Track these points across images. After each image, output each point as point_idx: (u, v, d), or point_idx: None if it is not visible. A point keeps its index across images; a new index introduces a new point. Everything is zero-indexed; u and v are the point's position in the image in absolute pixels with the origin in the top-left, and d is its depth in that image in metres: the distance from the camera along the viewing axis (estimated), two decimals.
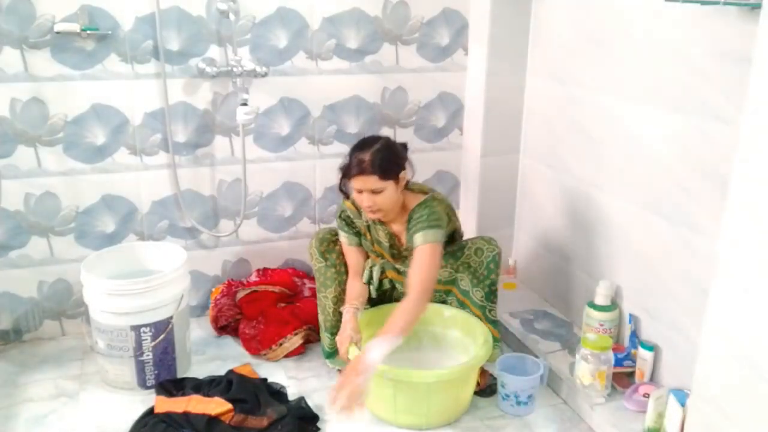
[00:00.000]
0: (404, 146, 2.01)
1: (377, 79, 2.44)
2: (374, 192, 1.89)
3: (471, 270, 2.02)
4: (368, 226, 2.04)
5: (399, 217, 2.00)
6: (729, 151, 1.56)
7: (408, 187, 2.00)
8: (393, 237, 2.03)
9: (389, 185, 1.89)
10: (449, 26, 2.47)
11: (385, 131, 2.51)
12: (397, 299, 2.11)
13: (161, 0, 2.10)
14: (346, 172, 1.92)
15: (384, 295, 2.13)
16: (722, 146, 1.65)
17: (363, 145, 1.92)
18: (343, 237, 2.07)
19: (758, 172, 1.26)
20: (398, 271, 2.09)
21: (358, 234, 2.06)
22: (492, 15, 2.37)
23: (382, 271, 2.09)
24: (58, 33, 2.02)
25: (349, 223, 2.05)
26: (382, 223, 2.01)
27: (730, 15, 1.57)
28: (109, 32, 2.09)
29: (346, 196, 2.04)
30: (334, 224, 2.11)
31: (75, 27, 2.02)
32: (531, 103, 2.49)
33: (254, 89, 2.29)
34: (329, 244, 2.07)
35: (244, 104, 2.22)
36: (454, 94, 2.57)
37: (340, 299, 2.07)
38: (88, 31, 2.04)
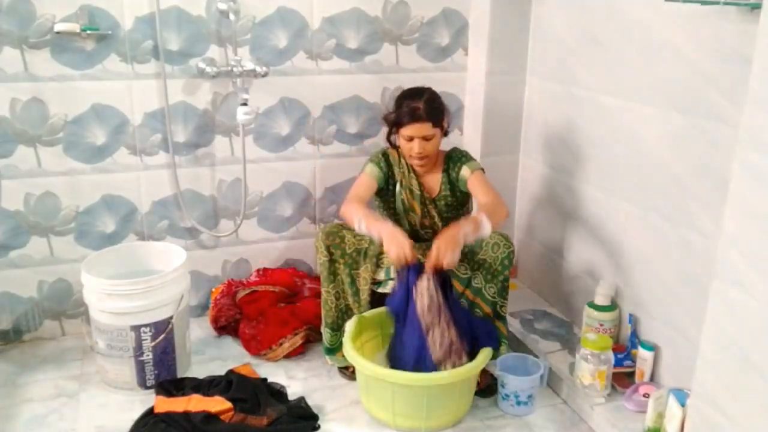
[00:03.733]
0: None
1: (377, 79, 2.45)
2: (425, 138, 1.99)
3: (486, 266, 2.02)
4: (404, 173, 2.11)
5: (430, 167, 2.10)
6: (729, 151, 1.56)
7: None
8: (422, 187, 2.11)
9: (437, 132, 2.02)
10: (449, 26, 2.48)
11: (385, 131, 2.51)
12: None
13: (161, 0, 2.10)
14: (398, 121, 2.01)
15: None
16: (722, 146, 1.65)
17: (413, 94, 2.03)
18: (370, 168, 2.09)
19: (758, 172, 1.26)
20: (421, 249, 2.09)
21: (386, 176, 2.11)
22: (492, 15, 2.37)
23: None
24: (58, 33, 2.02)
25: (388, 163, 2.11)
26: (415, 173, 2.10)
27: (730, 15, 1.57)
28: (109, 32, 2.09)
29: (393, 146, 2.13)
30: (337, 221, 2.11)
31: (75, 27, 2.02)
32: (531, 103, 2.49)
33: (254, 89, 2.29)
34: (335, 238, 2.05)
35: (244, 104, 2.22)
36: (454, 94, 2.57)
37: (342, 295, 2.07)
38: (88, 31, 2.04)
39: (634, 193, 1.99)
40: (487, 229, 1.89)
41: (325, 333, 2.11)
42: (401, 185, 2.10)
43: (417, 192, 2.10)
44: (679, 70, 1.76)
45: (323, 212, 2.54)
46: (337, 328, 2.06)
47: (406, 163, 2.11)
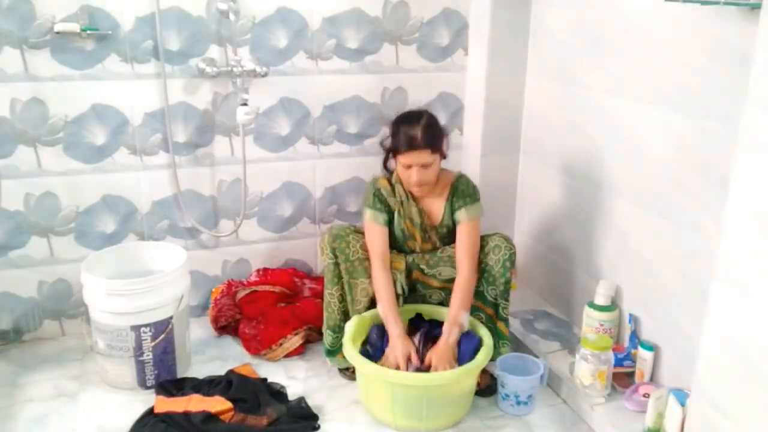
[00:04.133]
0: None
1: (377, 79, 2.44)
2: (423, 166, 1.94)
3: (487, 269, 2.02)
4: (401, 202, 2.05)
5: (430, 193, 2.05)
6: (729, 151, 1.56)
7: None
8: (423, 214, 2.05)
9: (436, 158, 1.97)
10: (449, 26, 2.47)
11: (386, 131, 2.51)
12: (415, 302, 2.13)
13: (161, 0, 2.10)
14: (395, 148, 1.96)
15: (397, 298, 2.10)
16: (722, 146, 1.65)
17: (410, 119, 1.97)
18: (370, 215, 2.04)
19: (758, 172, 1.26)
20: (423, 272, 2.09)
21: (389, 213, 2.06)
22: (492, 15, 2.37)
23: (408, 274, 2.09)
24: (58, 33, 2.02)
25: (382, 200, 2.05)
26: (414, 200, 2.05)
27: (730, 15, 1.57)
28: (109, 32, 2.09)
29: (390, 172, 2.09)
30: (340, 224, 2.11)
31: (75, 27, 2.02)
32: (531, 103, 2.49)
33: (254, 89, 2.29)
34: (342, 240, 2.04)
35: (244, 104, 2.22)
36: (454, 94, 2.57)
37: (345, 298, 2.07)
38: (88, 31, 2.04)
39: (634, 193, 1.99)
40: (466, 323, 1.96)
41: (326, 335, 2.11)
42: (399, 215, 2.05)
43: (418, 220, 2.05)
44: (679, 70, 1.76)
45: (323, 212, 2.54)
46: (339, 331, 2.06)
47: (404, 190, 2.04)
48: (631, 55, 1.94)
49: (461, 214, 2.02)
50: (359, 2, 2.33)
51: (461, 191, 2.03)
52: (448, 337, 1.92)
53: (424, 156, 1.93)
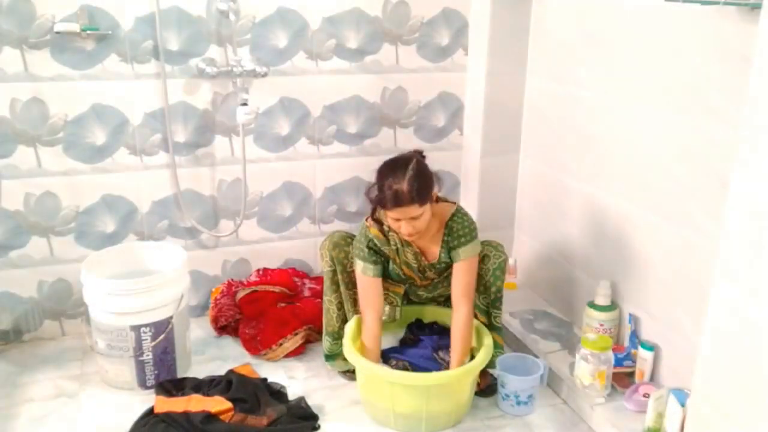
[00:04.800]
0: (422, 156, 1.92)
1: (377, 79, 2.44)
2: (413, 218, 1.82)
3: (478, 278, 2.00)
4: (396, 250, 1.97)
5: (425, 233, 1.93)
6: (729, 151, 1.56)
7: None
8: (420, 256, 1.98)
9: (425, 209, 1.84)
10: (449, 26, 2.47)
11: (385, 131, 2.51)
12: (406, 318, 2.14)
13: (161, 0, 2.10)
14: (382, 204, 1.84)
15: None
16: (722, 146, 1.65)
17: (395, 171, 1.82)
18: (361, 267, 1.95)
19: (758, 172, 1.26)
20: (419, 297, 2.10)
21: (381, 262, 1.98)
22: (492, 15, 2.37)
23: (405, 296, 2.09)
24: (58, 33, 2.02)
25: (376, 251, 1.96)
26: (407, 244, 1.96)
27: (730, 15, 1.57)
28: (109, 32, 2.09)
29: (379, 223, 1.96)
30: (339, 224, 2.10)
31: (75, 27, 2.02)
32: (531, 103, 2.49)
33: (254, 89, 2.29)
34: (342, 249, 2.03)
35: (244, 104, 2.22)
36: (454, 94, 2.57)
37: (343, 306, 2.07)
38: (88, 31, 2.04)
39: (634, 193, 1.99)
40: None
41: (326, 341, 2.11)
42: (395, 263, 1.99)
43: (414, 264, 1.98)
44: (679, 70, 1.76)
45: (323, 212, 2.54)
46: (338, 337, 2.05)
47: (398, 238, 1.95)
48: (631, 55, 1.94)
49: (456, 255, 1.93)
50: (359, 2, 2.33)
51: (456, 231, 1.93)
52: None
53: (412, 210, 1.80)
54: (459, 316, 1.92)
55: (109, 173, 2.23)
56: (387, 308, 2.05)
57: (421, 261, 1.98)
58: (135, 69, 2.16)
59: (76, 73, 2.10)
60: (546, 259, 2.50)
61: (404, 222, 1.83)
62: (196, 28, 2.18)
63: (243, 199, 2.36)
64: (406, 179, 1.79)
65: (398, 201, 1.79)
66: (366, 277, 1.96)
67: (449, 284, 2.00)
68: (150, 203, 2.31)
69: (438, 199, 1.96)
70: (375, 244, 1.96)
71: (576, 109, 2.21)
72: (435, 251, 1.97)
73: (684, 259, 1.82)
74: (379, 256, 1.97)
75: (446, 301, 2.12)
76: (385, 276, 2.04)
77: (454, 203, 2.00)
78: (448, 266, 2.00)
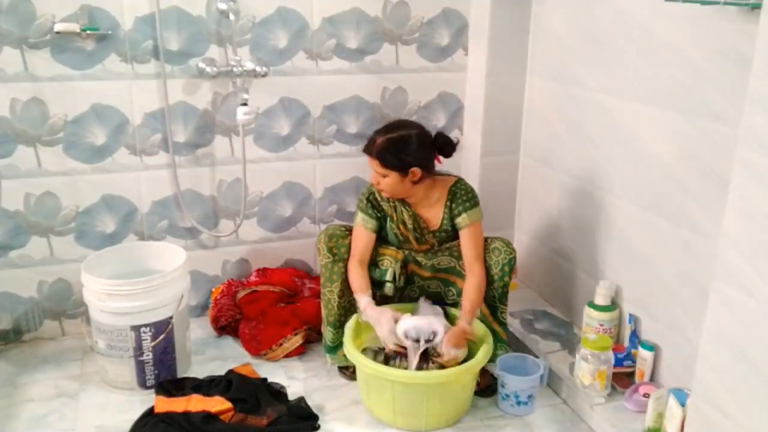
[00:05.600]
0: (444, 142, 1.98)
1: (377, 79, 2.45)
2: (381, 174, 1.93)
3: (486, 269, 2.01)
4: (394, 207, 2.03)
5: (423, 201, 2.02)
6: (729, 151, 1.56)
7: (435, 173, 2.02)
8: (417, 218, 2.03)
9: (392, 174, 1.93)
10: (449, 26, 2.48)
11: None
12: (410, 296, 2.13)
13: (161, 0, 2.10)
14: None
15: (395, 292, 2.10)
16: (722, 146, 1.65)
17: (388, 127, 1.96)
18: (360, 218, 2.03)
19: (758, 172, 1.26)
20: (419, 264, 2.09)
21: (378, 219, 2.04)
22: (492, 15, 2.37)
23: (404, 265, 2.08)
24: (58, 33, 2.02)
25: (375, 205, 2.04)
26: (406, 205, 2.02)
27: (730, 15, 1.57)
28: (109, 32, 2.09)
29: None
30: (339, 224, 2.11)
31: (75, 27, 2.02)
32: (531, 103, 2.49)
33: (254, 89, 2.29)
34: (338, 239, 2.04)
35: (244, 104, 2.22)
36: (454, 94, 2.57)
37: (345, 294, 2.06)
38: (88, 31, 2.04)
39: (634, 193, 1.99)
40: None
41: (327, 332, 2.11)
42: (392, 220, 2.04)
43: (411, 225, 2.03)
44: (679, 70, 1.76)
45: (323, 212, 2.54)
46: (340, 326, 2.05)
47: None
48: (631, 55, 1.94)
49: (462, 219, 2.00)
50: (359, 2, 2.33)
51: (459, 196, 2.01)
52: (465, 322, 1.93)
53: (375, 164, 1.93)
54: (474, 278, 1.97)
55: (109, 173, 2.23)
56: (388, 285, 2.06)
57: (420, 223, 2.03)
58: (135, 69, 2.16)
59: (76, 73, 2.10)
60: (546, 259, 2.50)
61: (372, 172, 1.95)
62: (196, 28, 2.18)
63: (243, 199, 2.36)
64: (386, 137, 1.92)
65: (366, 147, 1.95)
66: (361, 228, 2.03)
67: (450, 254, 2.05)
68: (150, 203, 2.31)
69: (439, 173, 2.03)
70: (375, 198, 2.04)
71: (576, 109, 2.21)
72: (437, 218, 2.03)
73: (684, 259, 1.82)
74: (377, 211, 2.03)
75: (446, 285, 2.12)
76: (384, 239, 2.07)
77: (456, 176, 2.08)
78: (449, 236, 2.04)
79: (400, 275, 2.06)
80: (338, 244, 2.04)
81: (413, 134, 1.94)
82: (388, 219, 2.04)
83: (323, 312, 2.11)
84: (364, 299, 1.98)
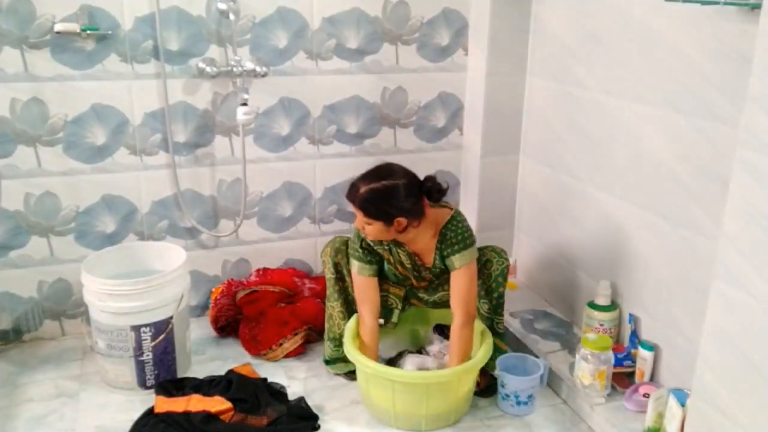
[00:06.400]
0: (432, 188, 1.85)
1: (377, 79, 2.44)
2: (363, 221, 1.85)
3: (480, 282, 1.99)
4: (389, 250, 1.97)
5: (416, 239, 1.92)
6: (729, 151, 1.56)
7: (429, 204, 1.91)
8: (414, 257, 1.97)
9: (376, 223, 1.83)
10: (449, 26, 2.48)
11: (385, 131, 2.51)
12: (410, 322, 2.14)
13: (161, 0, 2.10)
14: None
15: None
16: (722, 146, 1.65)
17: (373, 172, 1.84)
18: (357, 267, 1.97)
19: (758, 172, 1.26)
20: (421, 300, 2.09)
21: (377, 262, 1.99)
22: (492, 15, 2.37)
23: (405, 298, 2.09)
24: (58, 33, 2.02)
25: (370, 250, 1.97)
26: (400, 245, 1.95)
27: (730, 15, 1.57)
28: (109, 32, 2.09)
29: None
30: (339, 224, 2.10)
31: (75, 27, 2.02)
32: (531, 103, 2.49)
33: (254, 89, 2.29)
34: (343, 256, 2.03)
35: (244, 104, 2.22)
36: (454, 94, 2.57)
37: (346, 314, 2.06)
38: (88, 31, 2.04)
39: (634, 193, 1.99)
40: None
41: (327, 348, 2.11)
42: (389, 263, 1.99)
43: (409, 264, 1.97)
44: (679, 70, 1.76)
45: (323, 212, 2.54)
46: (341, 344, 2.04)
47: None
48: (631, 55, 1.94)
49: (451, 263, 1.91)
50: (359, 2, 2.33)
51: (449, 239, 1.90)
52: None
53: (359, 213, 1.84)
54: (455, 325, 1.92)
55: (109, 173, 2.23)
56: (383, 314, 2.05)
57: (416, 262, 1.98)
58: (135, 69, 2.16)
59: (76, 73, 2.10)
60: (546, 259, 2.50)
61: (358, 218, 1.86)
62: (196, 28, 2.18)
63: (243, 199, 2.36)
64: (369, 186, 1.80)
65: (349, 194, 1.85)
66: (361, 276, 1.98)
67: (450, 287, 1.99)
68: (150, 203, 2.31)
69: (435, 208, 1.93)
70: (368, 244, 1.97)
71: (576, 109, 2.21)
72: (429, 255, 1.96)
73: (684, 259, 1.82)
74: (373, 256, 1.98)
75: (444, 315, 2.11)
76: (384, 277, 2.04)
77: (452, 208, 1.96)
78: (443, 272, 1.99)
79: (401, 311, 2.08)
80: (344, 261, 2.04)
81: (399, 185, 1.81)
82: (386, 262, 2.01)
83: (326, 324, 2.12)
84: (371, 355, 1.94)
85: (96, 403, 1.99)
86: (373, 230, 1.86)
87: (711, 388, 1.43)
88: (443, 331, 2.11)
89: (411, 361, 1.99)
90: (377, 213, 1.82)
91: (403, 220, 1.83)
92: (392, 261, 1.99)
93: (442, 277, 2.02)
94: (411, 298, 2.10)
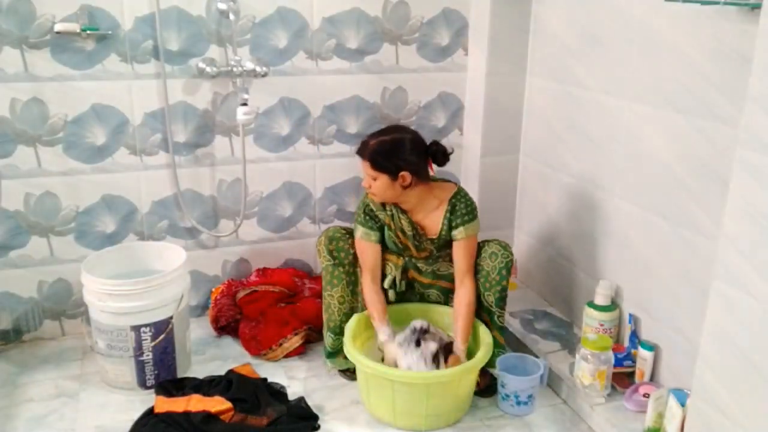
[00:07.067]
0: (437, 151, 1.96)
1: (377, 79, 2.45)
2: (372, 177, 1.94)
3: (483, 273, 2.00)
4: (392, 216, 2.02)
5: (419, 208, 2.00)
6: (729, 151, 1.56)
7: (432, 178, 2.01)
8: (415, 226, 2.02)
9: (382, 177, 1.92)
10: (449, 26, 2.48)
11: None
12: (410, 300, 2.13)
13: (161, 0, 2.10)
14: None
15: (395, 297, 2.11)
16: (722, 146, 1.65)
17: (382, 131, 1.97)
18: (360, 232, 2.02)
19: (758, 172, 1.26)
20: (420, 271, 2.09)
21: (380, 229, 2.04)
22: (492, 15, 2.37)
23: (404, 271, 2.08)
24: (58, 33, 2.02)
25: (372, 216, 2.02)
26: (404, 212, 2.01)
27: (730, 15, 1.57)
28: (109, 32, 2.09)
29: None
30: (339, 223, 2.11)
31: (75, 27, 2.02)
32: (531, 103, 2.49)
33: (254, 89, 2.29)
34: (338, 242, 2.04)
35: (244, 104, 2.22)
36: (454, 94, 2.57)
37: (346, 300, 2.06)
38: (88, 31, 2.04)
39: (634, 193, 1.99)
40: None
41: (327, 337, 2.11)
42: (389, 229, 2.02)
43: (410, 232, 2.01)
44: (679, 70, 1.76)
45: (323, 212, 2.54)
46: (340, 332, 2.05)
47: (394, 204, 2.01)
48: (631, 55, 1.94)
49: (459, 233, 1.98)
50: (359, 2, 2.33)
51: (459, 209, 1.99)
52: (460, 351, 1.94)
53: (366, 166, 1.93)
54: (464, 291, 1.98)
55: (109, 173, 2.23)
56: (387, 278, 2.07)
57: (418, 230, 2.02)
58: (135, 69, 2.16)
59: (76, 73, 2.10)
60: (546, 258, 2.50)
61: (365, 174, 1.95)
62: (196, 28, 2.18)
63: (243, 199, 2.36)
64: (378, 139, 1.93)
65: (359, 149, 1.96)
66: (364, 242, 2.02)
67: (449, 260, 2.05)
68: (150, 203, 2.31)
69: (435, 180, 2.03)
70: (371, 209, 2.02)
71: (576, 109, 2.22)
72: (435, 227, 2.01)
73: (684, 259, 1.82)
74: (376, 222, 2.02)
75: (445, 294, 2.11)
76: (384, 247, 2.07)
77: (456, 184, 2.06)
78: (447, 243, 2.03)
79: (400, 281, 2.07)
80: (338, 247, 2.04)
81: (406, 138, 1.93)
82: (386, 228, 2.03)
83: (324, 316, 2.11)
84: (384, 332, 1.97)
85: (96, 403, 1.99)
86: (378, 185, 1.93)
87: (711, 388, 1.43)
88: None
89: (407, 362, 1.99)
90: (384, 164, 1.91)
91: (407, 175, 1.91)
92: (393, 227, 2.02)
93: (443, 250, 2.06)
94: (409, 269, 2.09)
